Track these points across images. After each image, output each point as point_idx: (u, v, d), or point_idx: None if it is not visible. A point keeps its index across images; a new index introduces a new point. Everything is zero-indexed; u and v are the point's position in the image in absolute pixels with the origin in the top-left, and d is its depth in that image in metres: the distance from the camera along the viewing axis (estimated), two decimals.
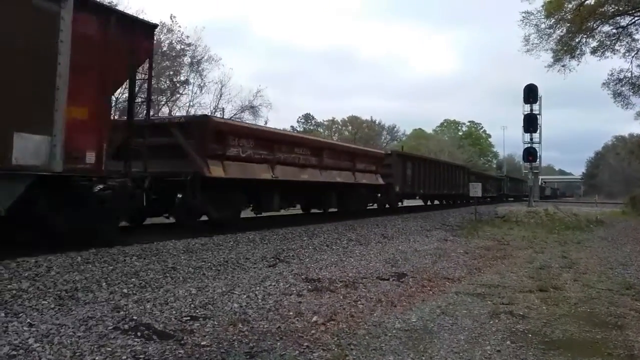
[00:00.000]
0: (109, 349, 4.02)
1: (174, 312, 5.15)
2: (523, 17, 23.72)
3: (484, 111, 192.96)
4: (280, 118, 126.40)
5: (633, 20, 23.38)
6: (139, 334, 4.40)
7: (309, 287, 6.62)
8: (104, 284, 6.16)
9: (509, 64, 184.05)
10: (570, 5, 22.28)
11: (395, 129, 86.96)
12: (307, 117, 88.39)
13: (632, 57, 25.04)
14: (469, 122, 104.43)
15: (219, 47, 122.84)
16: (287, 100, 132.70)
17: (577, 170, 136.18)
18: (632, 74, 26.12)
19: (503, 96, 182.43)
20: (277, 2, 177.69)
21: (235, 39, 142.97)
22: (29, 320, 4.56)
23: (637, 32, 24.11)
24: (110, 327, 4.51)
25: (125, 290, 5.97)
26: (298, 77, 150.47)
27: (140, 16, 29.70)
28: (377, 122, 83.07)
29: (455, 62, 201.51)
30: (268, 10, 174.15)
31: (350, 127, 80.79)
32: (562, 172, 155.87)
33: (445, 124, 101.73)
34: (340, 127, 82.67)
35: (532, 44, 24.17)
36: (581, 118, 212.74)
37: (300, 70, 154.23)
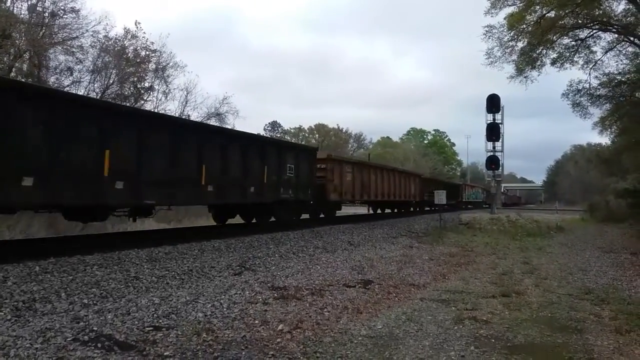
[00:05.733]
0: None
1: (136, 322, 5.04)
2: (486, 31, 24.25)
3: (449, 120, 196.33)
4: (248, 125, 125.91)
5: (591, 33, 24.14)
6: (99, 345, 4.29)
7: (275, 295, 6.58)
8: (63, 294, 6.00)
9: (475, 75, 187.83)
10: (531, 18, 22.87)
11: (362, 137, 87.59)
12: (274, 125, 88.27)
13: (590, 68, 25.81)
14: (434, 130, 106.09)
15: (196, 52, 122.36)
16: (261, 107, 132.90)
17: (539, 179, 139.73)
18: (590, 85, 26.92)
19: (468, 106, 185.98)
20: (257, 10, 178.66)
21: (214, 45, 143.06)
22: None
23: (595, 45, 24.91)
24: (69, 339, 4.38)
25: (85, 301, 5.82)
26: (272, 85, 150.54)
27: (103, 22, 29.35)
28: (344, 130, 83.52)
29: (424, 73, 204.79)
30: (247, 19, 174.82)
31: (317, 135, 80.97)
32: (524, 180, 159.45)
33: (411, 133, 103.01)
34: (307, 134, 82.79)
35: (495, 56, 24.69)
36: (543, 127, 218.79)
37: (274, 78, 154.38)
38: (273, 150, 15.57)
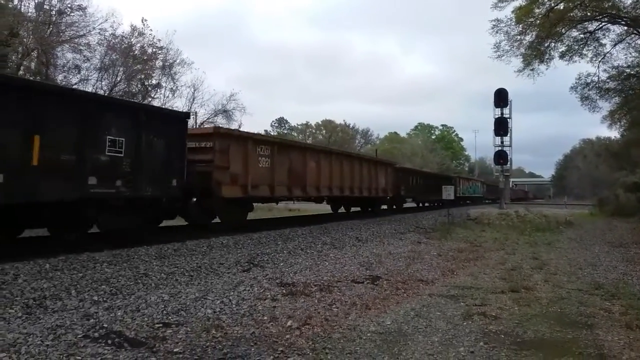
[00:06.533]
0: (79, 357, 3.93)
1: (145, 319, 5.06)
2: (493, 25, 24.14)
3: (456, 115, 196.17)
4: (254, 122, 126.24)
5: (600, 26, 23.97)
6: (109, 341, 4.31)
7: (284, 291, 6.59)
8: (74, 291, 6.03)
9: (482, 69, 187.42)
10: (539, 10, 22.75)
11: (369, 132, 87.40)
12: (281, 121, 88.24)
13: (599, 61, 25.66)
14: (442, 125, 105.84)
15: (203, 48, 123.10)
16: (268, 104, 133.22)
17: (547, 173, 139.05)
18: (598, 78, 26.79)
19: (475, 101, 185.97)
20: (264, 6, 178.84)
21: (220, 41, 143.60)
22: None
23: (604, 37, 24.75)
24: (80, 336, 4.41)
25: (95, 298, 5.85)
26: (279, 81, 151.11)
27: (110, 19, 29.45)
28: (350, 125, 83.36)
29: (432, 68, 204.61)
30: (254, 14, 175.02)
31: (324, 131, 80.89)
32: (532, 175, 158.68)
33: (418, 128, 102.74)
34: (314, 131, 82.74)
35: (503, 50, 24.59)
36: (551, 122, 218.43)
37: (281, 74, 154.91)
38: (63, 106, 8.93)
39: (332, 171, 18.48)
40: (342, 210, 24.11)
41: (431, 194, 32.52)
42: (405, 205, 31.60)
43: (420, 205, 35.72)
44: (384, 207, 26.85)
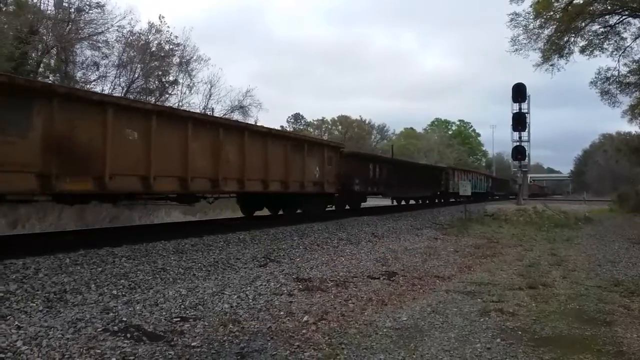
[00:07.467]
0: (99, 350, 3.99)
1: (164, 313, 5.12)
2: (511, 18, 23.85)
3: (474, 110, 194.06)
4: (271, 118, 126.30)
5: (621, 19, 23.57)
6: (128, 335, 4.37)
7: (300, 286, 6.62)
8: (93, 285, 6.11)
9: (501, 64, 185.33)
10: (558, 4, 22.45)
11: (385, 128, 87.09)
12: (297, 117, 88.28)
13: (619, 55, 25.27)
14: (459, 121, 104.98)
15: (219, 44, 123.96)
16: (284, 100, 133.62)
17: (566, 169, 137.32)
18: (619, 73, 26.39)
19: (493, 96, 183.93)
20: (283, 2, 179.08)
21: (237, 37, 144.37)
22: (17, 323, 4.51)
23: (625, 31, 24.34)
24: (99, 329, 4.48)
25: (114, 292, 5.93)
26: (296, 77, 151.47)
27: (128, 16, 29.68)
28: (366, 121, 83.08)
29: (450, 63, 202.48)
30: (271, 9, 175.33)
31: (340, 127, 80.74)
32: (551, 171, 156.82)
33: (435, 123, 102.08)
34: (330, 126, 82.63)
35: (521, 44, 24.30)
36: (570, 117, 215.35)
37: (298, 69, 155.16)
38: None
39: (193, 150, 10.76)
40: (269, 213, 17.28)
41: (415, 189, 27.26)
42: (376, 204, 25.67)
43: (404, 203, 28.92)
44: (330, 207, 18.72)
